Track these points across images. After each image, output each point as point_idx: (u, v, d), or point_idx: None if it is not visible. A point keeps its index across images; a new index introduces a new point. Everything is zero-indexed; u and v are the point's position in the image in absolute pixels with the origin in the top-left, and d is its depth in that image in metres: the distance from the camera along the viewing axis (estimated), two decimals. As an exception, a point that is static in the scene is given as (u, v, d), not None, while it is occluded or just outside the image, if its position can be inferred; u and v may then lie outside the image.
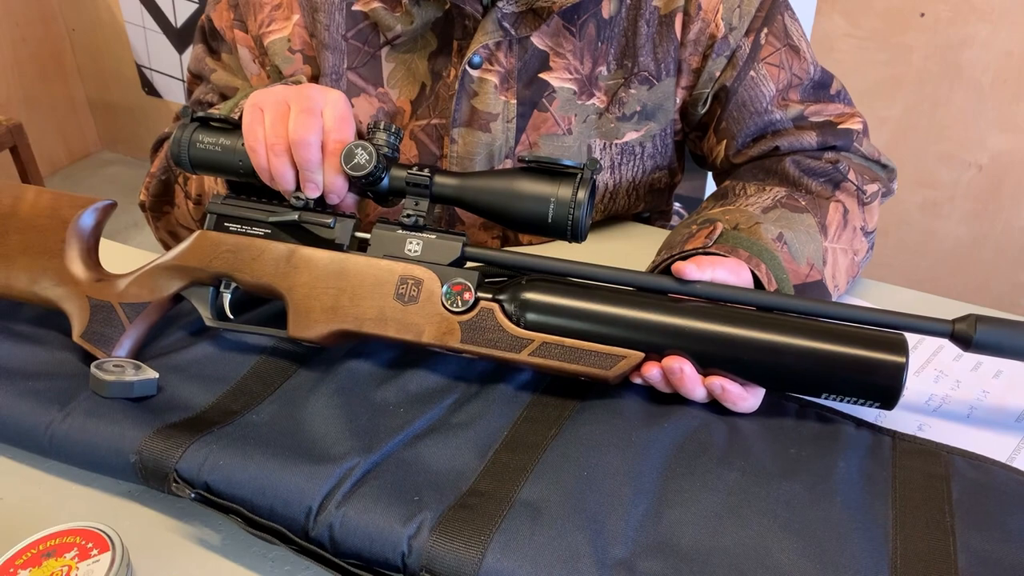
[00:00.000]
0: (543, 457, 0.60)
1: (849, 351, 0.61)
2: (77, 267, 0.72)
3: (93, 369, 0.65)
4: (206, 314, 0.71)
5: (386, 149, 0.67)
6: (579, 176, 0.64)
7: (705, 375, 0.63)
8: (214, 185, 0.81)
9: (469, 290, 0.65)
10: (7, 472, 0.65)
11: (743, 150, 0.91)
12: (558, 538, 0.53)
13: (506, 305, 0.65)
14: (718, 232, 0.74)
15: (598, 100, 0.88)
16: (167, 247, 0.97)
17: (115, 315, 0.70)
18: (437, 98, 0.88)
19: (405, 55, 0.87)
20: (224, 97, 0.94)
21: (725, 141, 0.92)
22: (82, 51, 3.06)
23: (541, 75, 0.87)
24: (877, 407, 0.62)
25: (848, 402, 0.62)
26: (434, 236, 0.68)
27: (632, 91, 0.88)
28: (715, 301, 0.65)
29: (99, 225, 0.74)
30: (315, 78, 0.89)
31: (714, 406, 0.65)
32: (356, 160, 0.65)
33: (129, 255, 0.88)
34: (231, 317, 0.71)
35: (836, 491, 0.57)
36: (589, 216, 0.65)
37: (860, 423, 0.65)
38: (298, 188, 0.68)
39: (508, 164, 0.89)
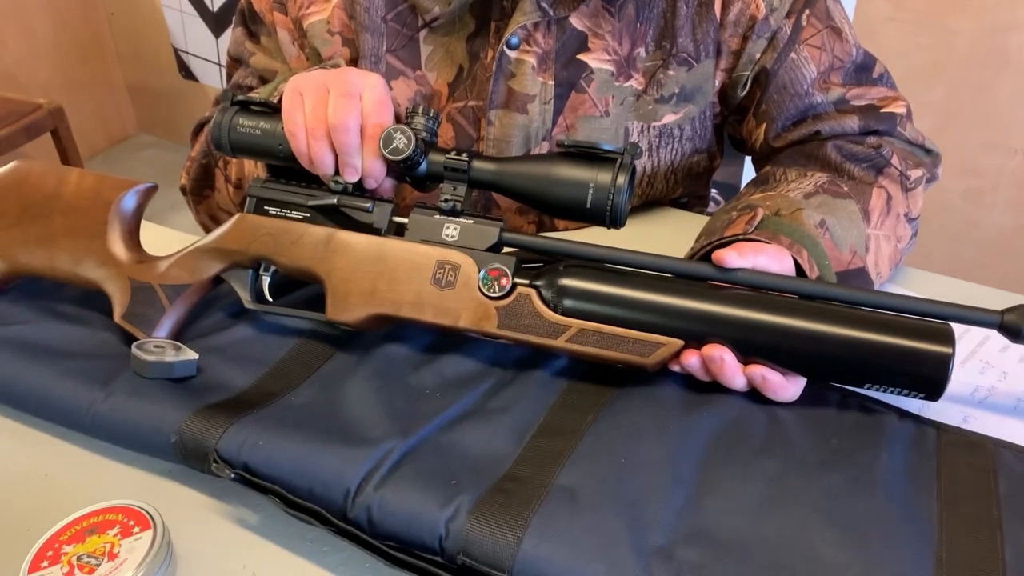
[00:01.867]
0: (580, 443, 0.59)
1: (894, 341, 0.59)
2: (119, 249, 0.72)
3: (134, 350, 0.65)
4: (245, 297, 0.71)
5: (424, 134, 0.67)
6: (619, 161, 0.63)
7: (745, 364, 0.63)
8: (254, 169, 0.81)
9: (506, 275, 0.65)
10: (51, 449, 0.66)
11: (783, 134, 0.90)
12: (596, 525, 0.53)
13: (543, 291, 0.65)
14: (759, 218, 0.73)
15: (636, 82, 0.87)
16: (207, 231, 0.97)
17: (156, 297, 0.70)
18: (474, 80, 0.87)
19: (443, 37, 0.87)
20: (263, 80, 0.94)
21: (765, 124, 0.90)
22: (121, 35, 3.09)
23: (579, 56, 0.86)
24: (921, 398, 0.61)
25: (891, 393, 0.61)
26: (471, 221, 0.67)
27: (671, 73, 0.87)
28: (756, 289, 0.64)
29: (140, 207, 0.75)
30: (354, 61, 0.89)
31: (753, 395, 0.64)
32: (395, 144, 0.65)
33: (168, 237, 0.89)
34: (270, 300, 0.72)
35: (879, 483, 0.56)
36: (628, 202, 0.65)
37: (903, 414, 0.64)
38: (337, 172, 0.68)
39: (545, 146, 0.89)
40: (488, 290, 0.65)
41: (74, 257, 0.73)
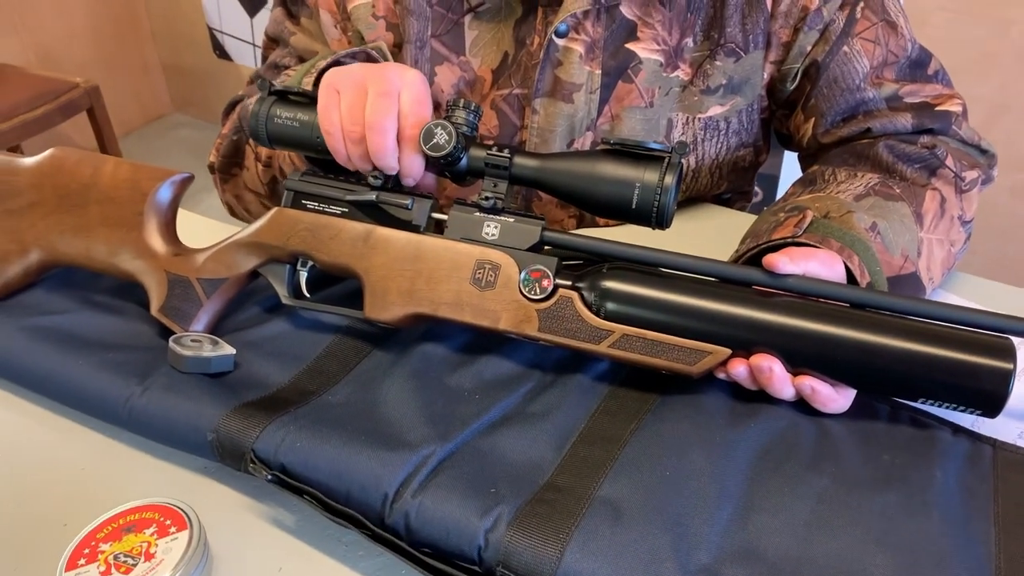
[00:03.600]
0: (622, 453, 0.58)
1: (952, 355, 0.57)
2: (155, 240, 0.72)
3: (171, 344, 0.65)
4: (282, 292, 0.70)
5: (465, 128, 0.65)
6: (666, 160, 0.61)
7: (794, 374, 0.61)
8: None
9: (548, 277, 0.63)
10: (88, 442, 0.66)
11: (832, 129, 0.87)
12: (640, 540, 0.51)
13: (585, 294, 0.63)
14: (808, 221, 0.70)
15: (682, 72, 0.85)
16: (232, 211, 0.96)
17: (193, 290, 0.70)
18: (519, 67, 0.86)
19: (489, 23, 0.85)
20: (302, 61, 0.92)
21: (813, 119, 0.88)
22: (156, 14, 3.10)
23: (628, 45, 0.84)
24: (978, 414, 0.59)
25: (946, 408, 0.59)
26: (512, 219, 0.66)
27: (718, 63, 0.85)
28: (807, 296, 0.62)
29: (176, 198, 0.74)
30: (397, 46, 0.88)
31: (801, 405, 0.62)
32: (435, 140, 0.64)
33: (203, 225, 0.88)
34: (307, 296, 0.71)
35: (934, 504, 0.54)
36: (675, 202, 0.63)
37: (957, 429, 0.62)
38: (375, 167, 0.67)
39: (589, 136, 0.87)
40: (529, 292, 0.63)
41: (110, 248, 0.72)
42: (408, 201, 0.66)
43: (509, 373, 0.66)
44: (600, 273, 0.64)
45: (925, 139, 0.83)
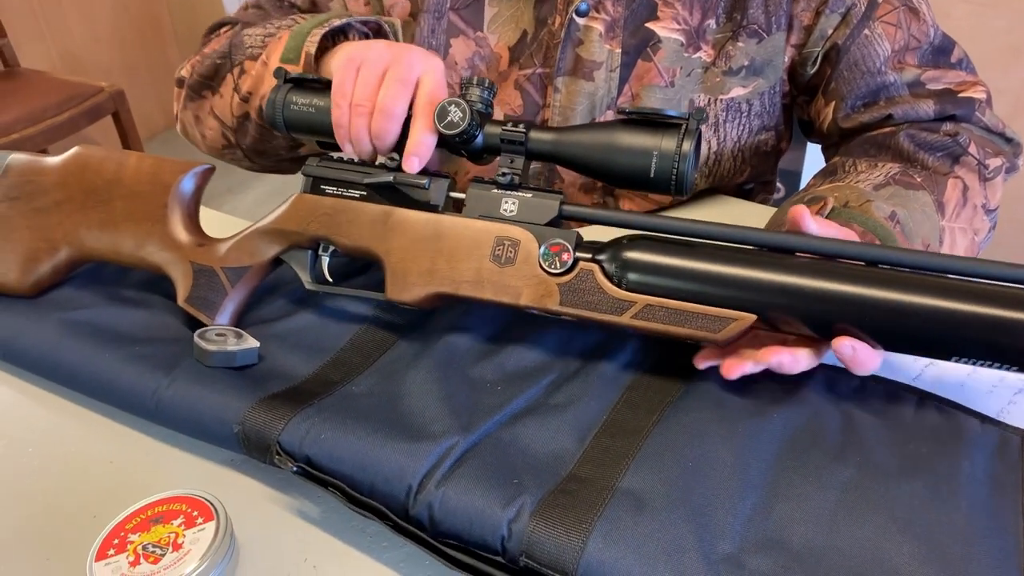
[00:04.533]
0: (645, 444, 0.58)
1: (985, 311, 0.54)
2: (180, 232, 0.73)
3: (196, 339, 0.66)
4: (305, 278, 0.71)
5: (480, 105, 0.65)
6: (684, 127, 0.60)
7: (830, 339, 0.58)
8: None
9: (568, 251, 0.63)
10: (115, 435, 0.67)
11: (853, 114, 0.86)
12: (662, 530, 0.51)
13: (606, 265, 0.63)
14: (828, 208, 0.70)
15: (705, 53, 0.85)
16: (184, 129, 0.95)
17: (217, 279, 0.70)
18: (541, 46, 0.86)
19: (509, 0, 0.86)
20: (314, 4, 0.93)
21: (834, 103, 0.87)
22: (179, 17, 3.13)
23: (648, 24, 0.84)
24: (1015, 371, 0.56)
25: (980, 365, 0.56)
26: (530, 195, 0.65)
27: (740, 44, 0.85)
28: (832, 258, 0.59)
29: (199, 189, 0.75)
30: (412, 15, 0.89)
31: (824, 395, 0.62)
32: (449, 118, 0.64)
33: (228, 223, 0.89)
34: (330, 280, 0.71)
35: (961, 493, 0.54)
36: (694, 170, 0.62)
37: (985, 419, 0.61)
38: (392, 149, 0.67)
39: (610, 115, 0.87)
40: (549, 266, 0.63)
41: (137, 241, 0.73)
42: (425, 181, 0.66)
43: (531, 364, 0.66)
44: (620, 244, 0.63)
45: (948, 126, 0.82)
